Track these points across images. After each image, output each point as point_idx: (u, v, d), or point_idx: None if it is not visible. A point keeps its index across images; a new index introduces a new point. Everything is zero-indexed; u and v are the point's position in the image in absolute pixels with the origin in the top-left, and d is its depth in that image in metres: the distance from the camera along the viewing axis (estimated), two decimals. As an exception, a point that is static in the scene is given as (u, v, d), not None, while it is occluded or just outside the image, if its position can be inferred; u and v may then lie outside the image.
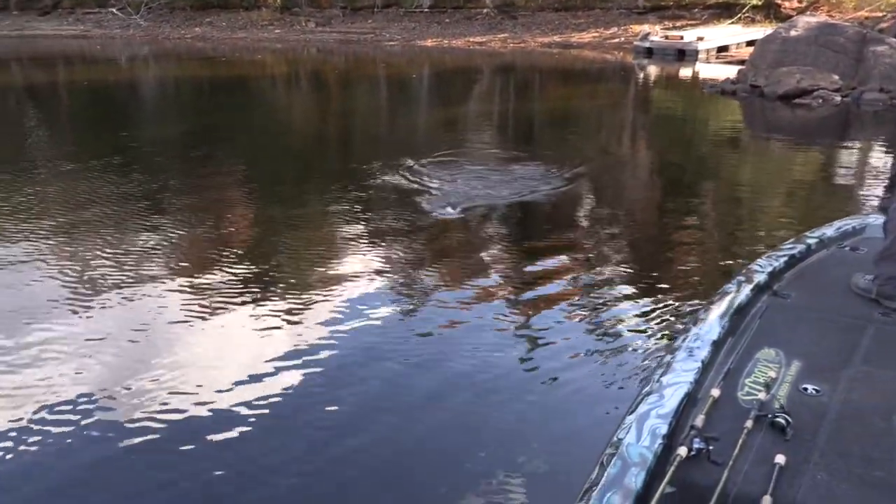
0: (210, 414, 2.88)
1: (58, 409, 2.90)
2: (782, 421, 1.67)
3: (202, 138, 9.42)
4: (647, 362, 3.17)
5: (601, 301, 3.91)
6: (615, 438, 1.68)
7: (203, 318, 3.72)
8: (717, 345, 2.06)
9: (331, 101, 13.77)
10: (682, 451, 1.57)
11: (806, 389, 1.84)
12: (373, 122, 11.25)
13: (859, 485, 1.51)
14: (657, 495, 1.44)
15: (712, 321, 2.17)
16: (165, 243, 4.89)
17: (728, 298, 2.32)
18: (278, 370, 3.19)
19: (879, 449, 1.62)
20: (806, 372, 1.92)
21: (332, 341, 3.46)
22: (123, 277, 4.25)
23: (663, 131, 10.15)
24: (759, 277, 2.48)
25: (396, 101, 13.54)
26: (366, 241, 4.94)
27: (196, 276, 4.28)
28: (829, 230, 2.99)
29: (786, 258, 2.66)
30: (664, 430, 1.68)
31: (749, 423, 1.66)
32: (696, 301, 3.70)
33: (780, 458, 1.55)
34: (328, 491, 2.48)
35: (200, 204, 5.90)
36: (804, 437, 1.65)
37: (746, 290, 2.38)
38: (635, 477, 1.54)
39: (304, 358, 3.30)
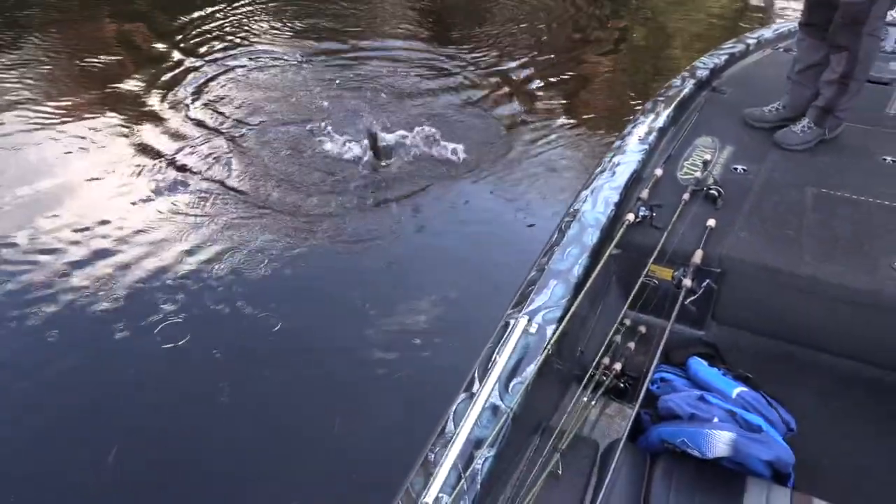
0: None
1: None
2: (715, 193, 1.96)
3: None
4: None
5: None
6: (572, 209, 1.91)
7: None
8: (662, 132, 2.32)
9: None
10: (630, 217, 1.83)
11: (736, 169, 2.14)
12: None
13: (771, 239, 1.82)
14: (608, 251, 1.69)
15: (659, 111, 2.41)
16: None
17: (673, 91, 2.57)
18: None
19: (791, 213, 1.92)
20: (737, 155, 2.21)
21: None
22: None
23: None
24: (702, 73, 2.73)
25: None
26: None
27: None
28: (767, 32, 3.24)
29: (726, 56, 2.92)
30: (615, 199, 1.93)
31: (686, 196, 1.94)
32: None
33: (711, 222, 1.84)
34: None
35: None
36: (732, 206, 1.94)
37: (690, 84, 2.62)
38: (591, 236, 1.77)
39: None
